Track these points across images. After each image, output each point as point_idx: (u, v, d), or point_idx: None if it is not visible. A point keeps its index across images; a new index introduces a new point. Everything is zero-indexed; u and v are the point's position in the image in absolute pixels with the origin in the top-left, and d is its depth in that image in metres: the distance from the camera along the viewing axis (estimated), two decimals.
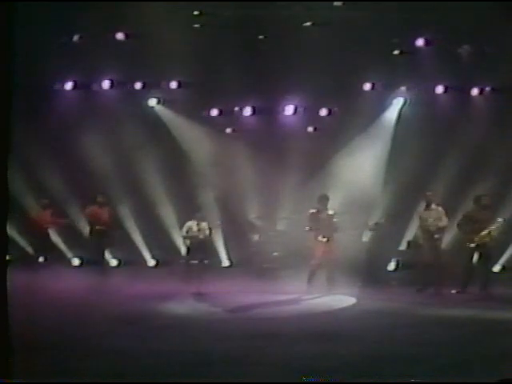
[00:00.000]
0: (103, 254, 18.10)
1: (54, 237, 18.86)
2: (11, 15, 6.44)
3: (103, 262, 18.09)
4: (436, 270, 15.61)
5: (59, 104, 19.13)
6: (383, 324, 12.11)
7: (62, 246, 19.31)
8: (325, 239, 15.88)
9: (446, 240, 17.40)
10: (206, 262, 17.75)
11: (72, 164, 18.85)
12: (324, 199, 16.26)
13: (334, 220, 16.13)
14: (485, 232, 15.34)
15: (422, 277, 15.82)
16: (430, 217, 15.78)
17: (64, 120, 18.90)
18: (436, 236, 15.82)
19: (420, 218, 15.92)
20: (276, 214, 18.86)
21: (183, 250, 18.17)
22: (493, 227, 15.54)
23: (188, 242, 17.72)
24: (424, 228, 15.82)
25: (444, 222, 15.86)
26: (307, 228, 16.02)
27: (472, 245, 15.39)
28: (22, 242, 18.82)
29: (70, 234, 18.95)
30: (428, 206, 15.85)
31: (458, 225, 15.82)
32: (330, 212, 16.15)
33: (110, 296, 14.84)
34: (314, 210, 16.03)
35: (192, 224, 17.71)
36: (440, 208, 15.87)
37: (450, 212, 16.16)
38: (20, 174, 17.42)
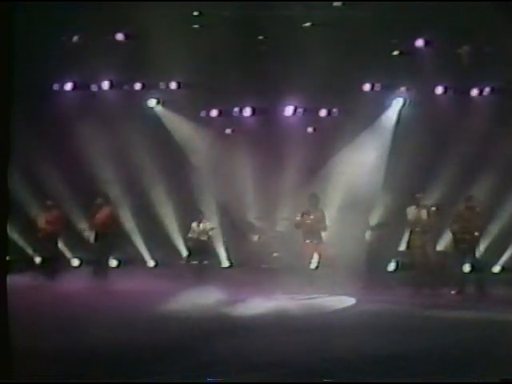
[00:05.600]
0: (103, 255, 18.10)
1: (54, 237, 18.81)
2: (11, 15, 6.43)
3: (103, 263, 18.09)
4: (433, 270, 15.66)
5: (59, 104, 19.13)
6: (383, 324, 12.10)
7: (62, 247, 19.30)
8: (313, 241, 16.00)
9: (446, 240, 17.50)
10: (205, 262, 17.82)
11: (72, 165, 18.85)
12: (314, 198, 16.35)
13: (323, 218, 16.24)
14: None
15: (420, 278, 15.86)
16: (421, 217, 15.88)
17: (64, 120, 18.90)
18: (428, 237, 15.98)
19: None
20: (276, 215, 18.86)
21: (185, 253, 18.25)
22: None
23: (190, 243, 17.82)
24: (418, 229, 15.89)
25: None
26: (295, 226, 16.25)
27: (463, 245, 15.53)
28: (23, 242, 18.82)
29: (70, 234, 18.93)
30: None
31: (449, 224, 15.96)
32: (319, 210, 16.31)
33: (110, 297, 14.84)
34: (298, 217, 16.17)
35: (194, 225, 17.83)
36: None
37: (448, 212, 16.21)
38: (20, 175, 17.40)
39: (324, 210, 16.60)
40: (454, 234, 15.90)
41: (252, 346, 10.16)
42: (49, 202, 18.26)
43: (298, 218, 16.25)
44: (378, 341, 10.57)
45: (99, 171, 18.98)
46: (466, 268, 15.99)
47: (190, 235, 18.02)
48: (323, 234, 16.31)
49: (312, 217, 16.15)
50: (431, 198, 16.74)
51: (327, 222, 16.34)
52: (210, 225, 18.21)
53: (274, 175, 18.49)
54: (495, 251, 17.67)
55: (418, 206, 15.83)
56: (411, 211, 15.88)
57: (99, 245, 17.85)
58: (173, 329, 11.47)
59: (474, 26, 16.74)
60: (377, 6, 16.72)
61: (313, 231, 16.09)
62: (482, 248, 16.34)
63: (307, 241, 16.11)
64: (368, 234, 18.13)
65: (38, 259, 18.37)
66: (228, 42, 17.26)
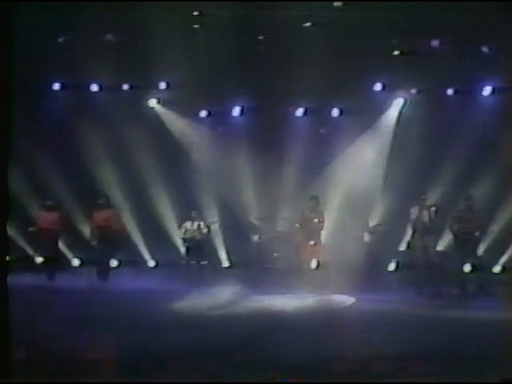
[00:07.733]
0: (104, 255, 18.12)
1: (55, 237, 18.81)
2: (11, 15, 6.44)
3: (104, 263, 18.09)
4: (434, 271, 15.69)
5: (58, 105, 19.12)
6: (383, 324, 12.11)
7: (63, 247, 19.29)
8: (312, 242, 16.11)
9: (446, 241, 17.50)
10: (205, 262, 17.82)
11: (72, 165, 18.86)
12: (313, 200, 16.50)
13: (322, 220, 16.35)
14: None
15: (420, 278, 15.88)
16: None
17: (64, 120, 18.90)
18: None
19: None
20: (276, 215, 18.85)
21: (183, 251, 18.25)
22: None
23: (187, 243, 17.83)
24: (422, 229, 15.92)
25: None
26: (296, 225, 16.31)
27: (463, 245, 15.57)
28: (22, 242, 18.81)
29: (71, 234, 18.93)
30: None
31: (450, 225, 15.99)
32: (318, 212, 16.42)
33: (110, 297, 14.85)
34: (306, 212, 16.27)
35: (188, 224, 17.83)
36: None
37: (448, 212, 16.22)
38: (20, 175, 17.40)
39: (323, 212, 16.68)
40: (454, 234, 15.92)
41: (251, 345, 10.17)
42: (49, 202, 18.26)
43: (303, 217, 16.31)
44: (378, 340, 10.58)
45: (99, 171, 18.98)
46: (467, 268, 16.00)
47: (183, 236, 18.00)
48: (323, 235, 16.38)
49: (313, 218, 16.24)
50: (432, 199, 16.73)
51: (325, 223, 16.46)
52: (204, 224, 18.17)
53: (275, 175, 18.48)
54: (495, 251, 17.66)
55: (422, 206, 15.86)
56: (414, 211, 15.92)
57: (100, 245, 17.87)
58: (173, 329, 11.47)
59: (475, 26, 16.71)
60: (377, 5, 16.71)
61: (314, 232, 16.18)
62: (482, 248, 16.37)
63: (311, 242, 16.20)
64: (368, 235, 18.14)
65: (38, 259, 18.36)
66: (228, 42, 17.25)
